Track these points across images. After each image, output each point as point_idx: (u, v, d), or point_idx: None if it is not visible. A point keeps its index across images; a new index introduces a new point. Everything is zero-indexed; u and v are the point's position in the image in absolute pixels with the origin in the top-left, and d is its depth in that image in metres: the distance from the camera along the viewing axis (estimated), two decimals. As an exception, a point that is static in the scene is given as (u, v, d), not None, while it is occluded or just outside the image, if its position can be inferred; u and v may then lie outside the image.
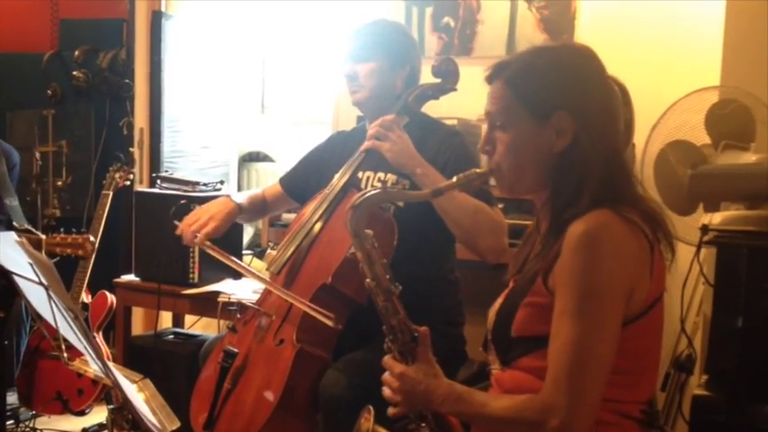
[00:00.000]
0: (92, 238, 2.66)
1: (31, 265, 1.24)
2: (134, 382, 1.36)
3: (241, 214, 2.18)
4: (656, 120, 2.34)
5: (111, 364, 1.23)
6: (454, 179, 1.34)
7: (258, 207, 2.28)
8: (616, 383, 1.25)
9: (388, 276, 1.32)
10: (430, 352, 1.32)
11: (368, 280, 1.33)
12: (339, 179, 2.00)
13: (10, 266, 1.40)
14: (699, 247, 1.87)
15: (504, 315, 1.33)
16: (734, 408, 1.60)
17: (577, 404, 1.18)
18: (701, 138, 2.24)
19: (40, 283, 1.26)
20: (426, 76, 2.02)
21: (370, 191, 1.33)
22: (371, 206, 1.32)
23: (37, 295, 1.31)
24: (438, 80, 1.98)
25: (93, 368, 1.37)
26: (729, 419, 1.59)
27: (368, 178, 2.05)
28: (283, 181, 2.29)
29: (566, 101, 1.29)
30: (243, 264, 2.16)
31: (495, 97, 1.34)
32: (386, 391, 1.33)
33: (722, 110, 2.18)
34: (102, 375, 1.28)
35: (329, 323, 1.82)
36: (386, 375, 1.34)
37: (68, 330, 1.30)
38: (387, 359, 1.34)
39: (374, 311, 1.80)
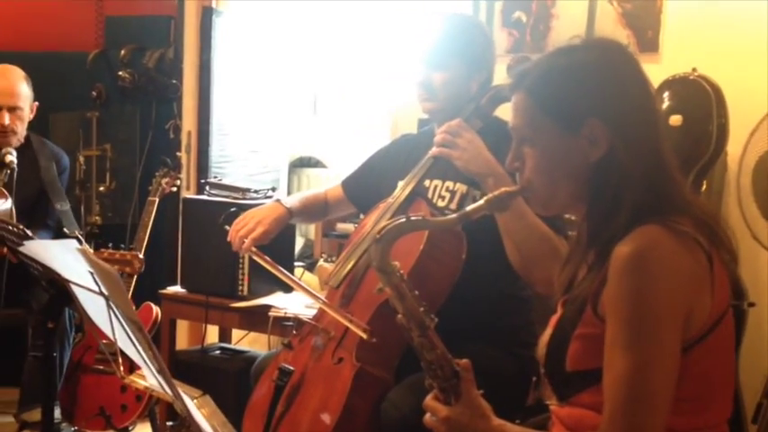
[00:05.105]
0: (140, 256, 2.71)
1: (91, 273, 1.30)
2: (193, 398, 1.40)
3: (293, 218, 2.24)
4: (754, 124, 2.30)
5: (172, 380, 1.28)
6: (483, 200, 1.32)
7: (318, 209, 2.34)
8: (685, 411, 1.22)
9: (422, 309, 1.31)
10: (474, 387, 1.30)
11: (399, 316, 1.33)
12: (404, 188, 2.02)
13: (66, 275, 1.46)
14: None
15: (556, 348, 1.31)
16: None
17: None
18: (805, 145, 2.20)
19: (101, 293, 1.31)
20: (499, 76, 2.00)
21: (392, 222, 1.31)
22: (396, 239, 1.30)
23: (95, 305, 1.37)
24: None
25: (152, 382, 1.42)
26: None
27: (435, 187, 2.06)
28: (345, 183, 2.33)
29: (595, 107, 1.25)
30: (289, 274, 2.21)
31: (517, 109, 1.31)
32: None
33: (829, 114, 2.13)
34: (162, 390, 1.32)
35: (364, 335, 1.84)
36: (428, 418, 1.32)
37: (127, 342, 1.35)
38: (428, 401, 1.32)
39: (441, 329, 1.81)
